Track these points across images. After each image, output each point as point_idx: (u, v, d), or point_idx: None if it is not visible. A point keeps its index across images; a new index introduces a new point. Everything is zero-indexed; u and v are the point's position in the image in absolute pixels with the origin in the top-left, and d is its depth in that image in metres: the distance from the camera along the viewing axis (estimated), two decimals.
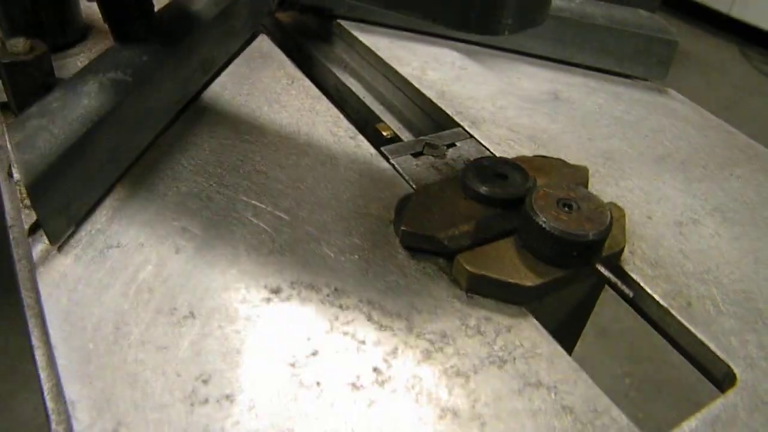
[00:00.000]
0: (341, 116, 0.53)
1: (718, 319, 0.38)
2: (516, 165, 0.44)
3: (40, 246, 0.38)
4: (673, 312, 0.38)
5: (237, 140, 0.48)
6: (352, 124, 0.52)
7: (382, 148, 0.49)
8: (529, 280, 0.37)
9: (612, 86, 0.63)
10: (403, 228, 0.40)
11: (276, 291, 0.36)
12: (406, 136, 0.58)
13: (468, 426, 0.31)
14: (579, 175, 0.47)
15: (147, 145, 0.47)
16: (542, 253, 0.38)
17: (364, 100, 0.63)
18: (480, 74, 0.62)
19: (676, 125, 0.58)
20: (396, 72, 0.60)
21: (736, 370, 0.35)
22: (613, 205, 0.42)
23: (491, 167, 0.43)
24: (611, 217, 0.38)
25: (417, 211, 0.41)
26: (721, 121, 0.59)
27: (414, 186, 0.46)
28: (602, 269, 0.39)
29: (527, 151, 0.51)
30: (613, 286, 0.40)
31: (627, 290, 0.39)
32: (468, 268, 0.37)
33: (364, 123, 0.57)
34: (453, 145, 0.51)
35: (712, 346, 0.36)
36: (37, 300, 0.35)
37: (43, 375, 0.32)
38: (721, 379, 0.36)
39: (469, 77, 0.61)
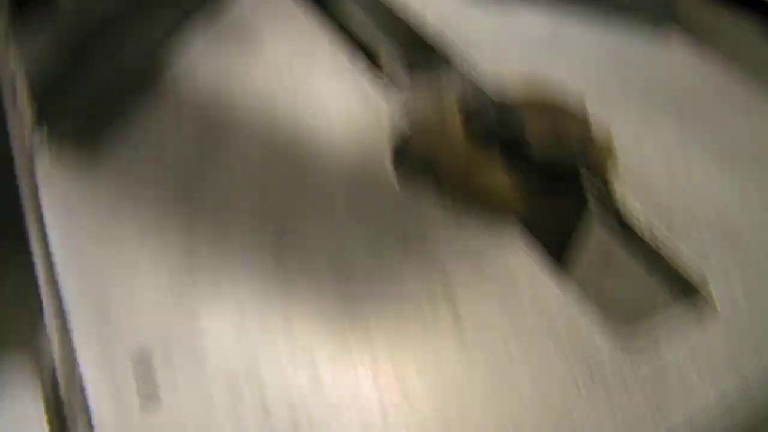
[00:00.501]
0: (340, 54, 0.52)
1: (704, 256, 0.39)
2: (513, 104, 0.44)
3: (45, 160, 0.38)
4: (659, 246, 0.39)
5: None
6: (349, 63, 0.52)
7: (378, 83, 0.49)
8: (517, 199, 0.38)
9: (613, 23, 0.62)
10: (398, 168, 0.41)
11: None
12: (400, 71, 0.58)
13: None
14: (576, 110, 0.47)
15: (153, 71, 0.46)
16: (530, 173, 0.38)
17: (361, 34, 0.62)
18: (478, 12, 0.61)
19: (676, 64, 0.57)
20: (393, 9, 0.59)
21: (718, 306, 0.36)
22: (603, 132, 0.42)
23: (489, 107, 0.43)
24: (599, 142, 0.39)
25: (414, 148, 0.42)
26: (725, 62, 0.58)
27: (410, 124, 0.46)
28: (590, 186, 0.40)
29: (523, 89, 0.51)
30: (601, 207, 0.41)
31: (616, 209, 0.40)
32: (457, 191, 0.38)
33: (361, 58, 0.56)
34: (449, 78, 0.51)
35: (696, 279, 0.37)
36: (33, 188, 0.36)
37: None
38: (702, 310, 0.37)
39: (467, 15, 0.60)
